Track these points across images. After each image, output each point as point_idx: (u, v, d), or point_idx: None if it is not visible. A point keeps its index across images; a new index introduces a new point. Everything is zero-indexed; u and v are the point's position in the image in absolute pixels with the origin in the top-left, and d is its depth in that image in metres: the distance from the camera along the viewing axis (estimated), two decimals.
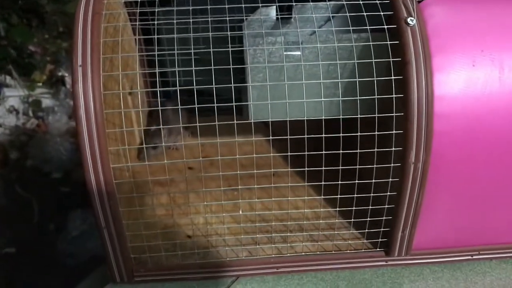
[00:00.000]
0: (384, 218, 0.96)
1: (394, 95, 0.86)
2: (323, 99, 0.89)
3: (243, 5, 0.96)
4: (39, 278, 1.62)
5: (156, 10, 0.96)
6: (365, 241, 1.03)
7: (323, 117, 0.89)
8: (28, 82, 2.47)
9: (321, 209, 1.08)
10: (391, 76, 0.86)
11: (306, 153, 0.88)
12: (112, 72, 0.91)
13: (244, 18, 0.99)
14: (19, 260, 1.69)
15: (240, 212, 1.05)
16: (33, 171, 2.11)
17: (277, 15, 1.03)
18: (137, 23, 1.12)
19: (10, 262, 1.69)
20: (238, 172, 0.94)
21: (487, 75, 0.86)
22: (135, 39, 1.21)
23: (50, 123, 2.36)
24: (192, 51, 0.85)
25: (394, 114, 0.87)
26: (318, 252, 1.02)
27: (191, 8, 0.90)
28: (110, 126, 0.90)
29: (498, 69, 0.86)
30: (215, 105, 0.88)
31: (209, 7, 0.92)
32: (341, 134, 0.89)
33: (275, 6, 1.02)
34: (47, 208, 1.93)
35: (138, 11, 0.96)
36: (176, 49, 0.86)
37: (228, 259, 1.00)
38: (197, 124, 0.88)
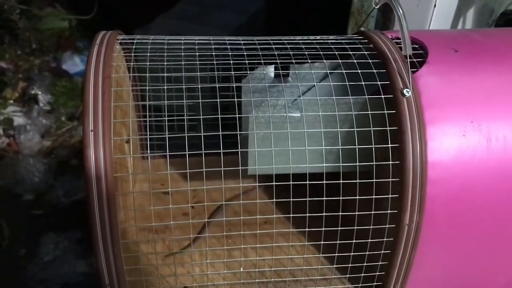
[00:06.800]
0: (377, 273, 1.01)
1: (390, 162, 0.91)
2: (324, 164, 0.94)
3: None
4: None
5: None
6: None
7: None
8: None
9: (319, 266, 1.12)
10: (387, 143, 0.91)
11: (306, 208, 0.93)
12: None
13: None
14: None
15: (241, 270, 1.08)
16: (3, 193, 2.06)
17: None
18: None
19: None
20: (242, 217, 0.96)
21: (476, 144, 0.92)
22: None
23: (22, 142, 2.31)
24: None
25: (390, 180, 0.92)
26: None
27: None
28: None
29: (486, 139, 0.92)
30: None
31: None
32: (340, 198, 0.93)
33: (273, 65, 1.06)
34: (17, 232, 1.89)
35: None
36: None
37: None
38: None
